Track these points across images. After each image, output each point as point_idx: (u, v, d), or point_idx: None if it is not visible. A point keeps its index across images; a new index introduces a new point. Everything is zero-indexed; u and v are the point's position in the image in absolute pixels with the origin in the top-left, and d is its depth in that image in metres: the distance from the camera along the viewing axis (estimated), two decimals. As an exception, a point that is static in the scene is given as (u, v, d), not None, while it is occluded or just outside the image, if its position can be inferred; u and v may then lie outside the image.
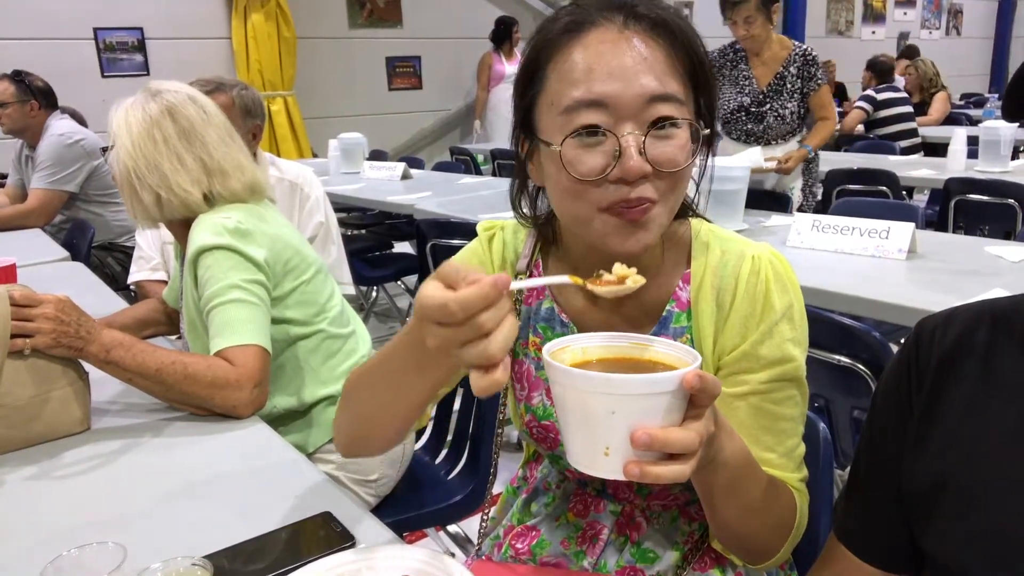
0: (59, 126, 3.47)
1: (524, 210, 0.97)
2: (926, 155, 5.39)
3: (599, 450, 0.65)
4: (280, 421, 1.54)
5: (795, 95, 3.34)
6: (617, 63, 0.77)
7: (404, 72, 7.04)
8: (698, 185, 0.91)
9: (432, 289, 0.64)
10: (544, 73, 0.82)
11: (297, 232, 1.61)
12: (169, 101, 1.45)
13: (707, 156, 0.89)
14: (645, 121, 0.78)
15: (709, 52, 0.86)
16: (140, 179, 1.40)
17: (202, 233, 1.39)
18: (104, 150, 1.50)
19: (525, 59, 0.85)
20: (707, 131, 0.84)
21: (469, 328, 0.62)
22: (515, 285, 0.65)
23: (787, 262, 0.91)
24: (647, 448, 0.63)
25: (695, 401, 0.66)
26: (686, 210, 0.93)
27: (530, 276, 0.98)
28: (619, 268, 0.72)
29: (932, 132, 5.85)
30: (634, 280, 0.71)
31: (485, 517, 1.09)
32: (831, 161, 4.44)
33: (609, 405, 0.63)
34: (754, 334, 0.87)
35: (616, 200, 0.79)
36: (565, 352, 0.71)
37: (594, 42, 0.79)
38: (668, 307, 0.92)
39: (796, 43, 3.36)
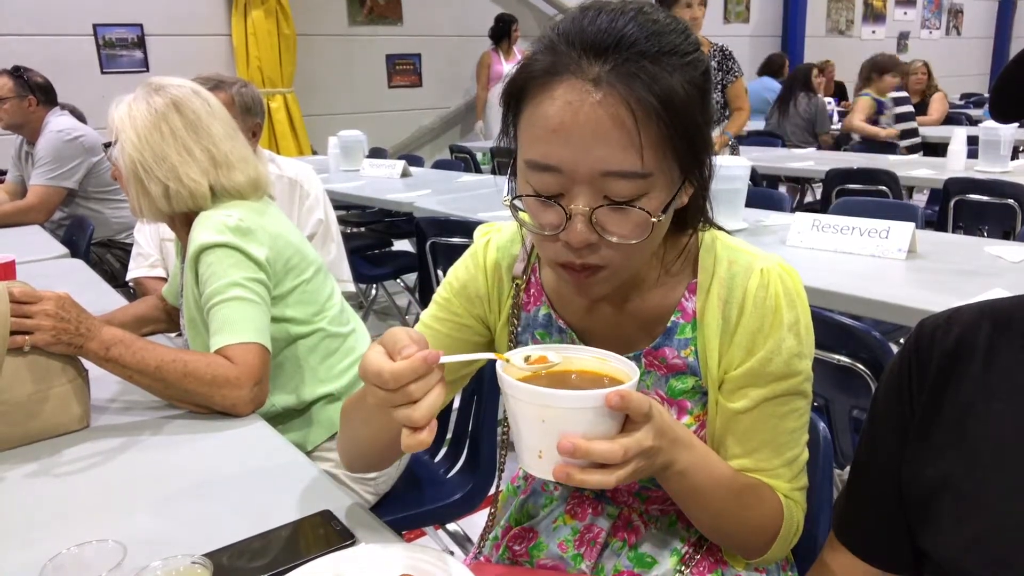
0: (58, 122, 3.46)
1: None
2: (926, 155, 5.40)
3: (535, 452, 0.72)
4: (279, 419, 1.54)
5: (716, 87, 3.70)
6: (577, 129, 0.73)
7: (404, 69, 7.03)
8: (702, 205, 0.88)
9: (374, 355, 0.73)
10: (521, 109, 0.79)
11: (297, 231, 1.61)
12: (174, 95, 1.44)
13: (702, 197, 0.85)
14: (600, 191, 0.75)
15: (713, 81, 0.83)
16: (148, 171, 1.40)
17: (204, 231, 1.39)
18: (106, 147, 1.49)
19: (506, 88, 0.81)
20: (661, 218, 0.77)
21: (400, 395, 0.71)
22: (443, 359, 0.73)
23: (796, 274, 0.89)
24: (570, 455, 0.69)
25: (630, 416, 0.72)
26: (693, 221, 0.89)
27: (527, 283, 0.99)
28: (536, 353, 0.78)
29: (932, 132, 5.85)
30: (547, 364, 0.77)
31: (492, 514, 1.09)
32: (831, 160, 4.45)
33: (539, 414, 0.71)
34: (761, 351, 0.86)
35: (565, 262, 0.80)
36: (530, 360, 0.78)
37: (561, 97, 0.74)
38: (673, 318, 0.91)
39: (713, 41, 3.78)
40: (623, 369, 0.76)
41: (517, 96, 0.79)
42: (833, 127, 6.65)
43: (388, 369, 0.71)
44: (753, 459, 0.90)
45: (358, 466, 1.03)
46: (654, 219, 0.76)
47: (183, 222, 1.49)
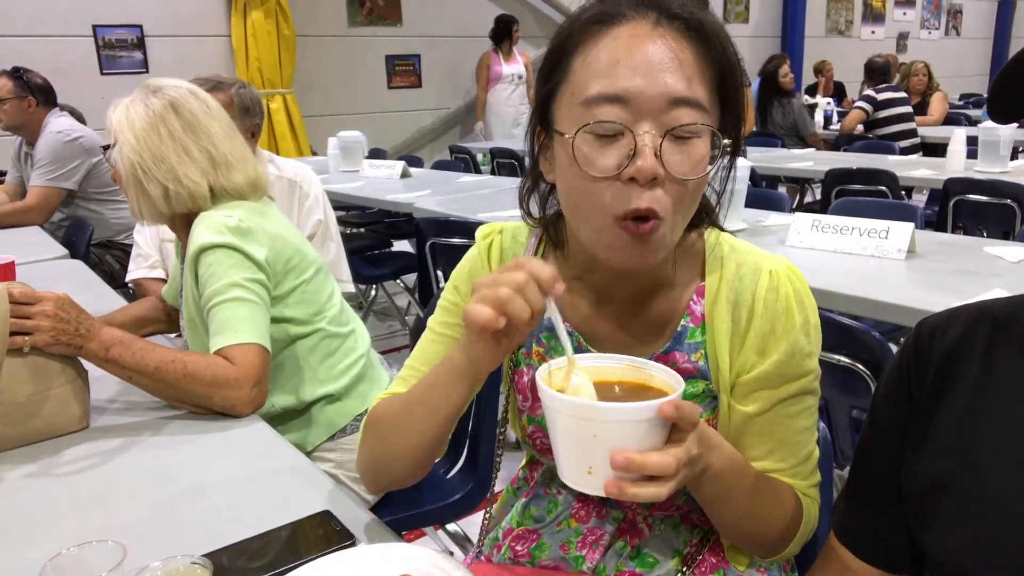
0: (58, 123, 3.46)
1: (532, 210, 0.95)
2: (925, 155, 5.39)
3: (583, 469, 0.70)
4: (279, 420, 1.54)
5: None
6: (644, 59, 0.75)
7: (403, 70, 7.03)
8: (719, 195, 0.89)
9: None
10: (568, 62, 0.80)
11: (297, 231, 1.61)
12: (171, 96, 1.45)
13: (730, 166, 0.86)
14: (665, 124, 0.76)
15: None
16: (147, 173, 1.40)
17: (204, 231, 1.39)
18: (105, 148, 1.49)
19: (551, 46, 0.83)
20: (727, 141, 0.80)
21: (513, 276, 0.73)
22: (550, 305, 0.74)
23: (802, 275, 0.89)
24: (624, 470, 0.67)
25: (678, 425, 0.70)
26: (700, 219, 0.90)
27: None
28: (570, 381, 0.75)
29: (931, 132, 5.85)
30: (574, 391, 0.73)
31: (488, 515, 1.09)
32: (830, 160, 4.45)
33: (591, 429, 0.68)
34: (773, 354, 0.86)
35: (627, 210, 0.76)
36: (561, 371, 0.75)
37: (624, 35, 0.77)
38: (683, 322, 0.90)
39: None
40: (663, 378, 0.75)
41: (566, 49, 0.80)
42: (833, 127, 6.64)
43: (534, 262, 0.74)
44: (770, 460, 0.90)
45: (384, 481, 0.99)
46: (713, 152, 0.78)
47: (183, 223, 1.49)
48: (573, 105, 0.79)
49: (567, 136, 0.78)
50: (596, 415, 0.68)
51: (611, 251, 0.80)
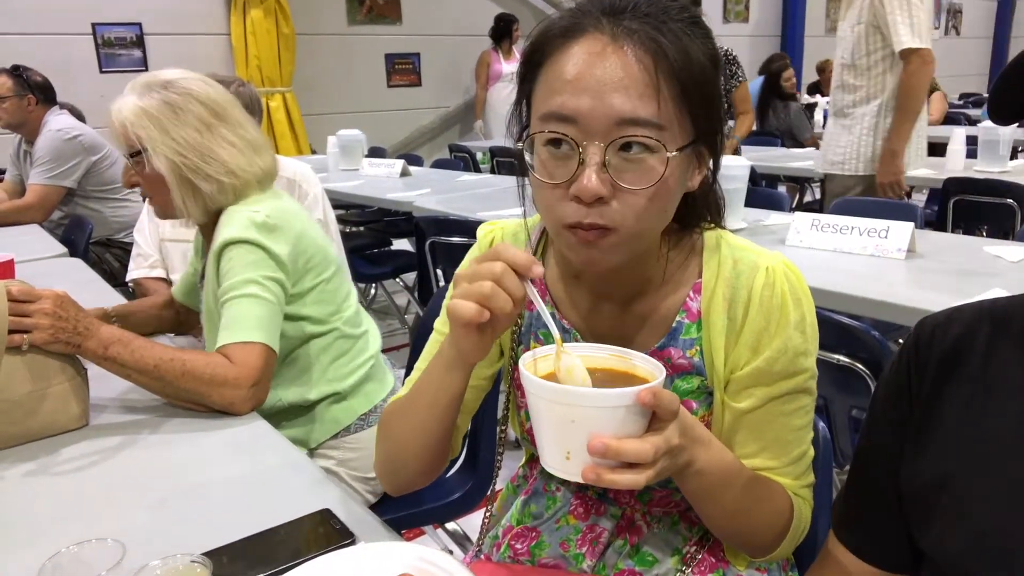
0: (57, 121, 3.46)
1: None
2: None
3: (561, 454, 0.71)
4: (284, 415, 1.54)
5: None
6: (594, 79, 0.75)
7: (403, 69, 7.03)
8: (707, 196, 0.89)
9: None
10: (537, 73, 0.81)
11: (319, 228, 1.59)
12: (187, 88, 1.41)
13: (714, 169, 0.85)
14: (613, 141, 0.75)
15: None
16: (196, 170, 1.38)
17: (229, 227, 1.38)
18: (131, 156, 1.44)
19: (524, 54, 0.84)
20: (675, 154, 0.77)
21: (491, 266, 0.75)
22: (529, 286, 0.76)
23: (800, 273, 0.89)
24: (601, 456, 0.68)
25: (657, 415, 0.70)
26: (704, 218, 0.90)
27: (531, 282, 0.98)
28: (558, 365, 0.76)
29: (931, 132, 5.82)
30: (567, 372, 0.74)
31: (488, 513, 1.09)
32: (830, 160, 4.44)
33: (568, 414, 0.69)
34: (767, 350, 0.86)
35: (573, 222, 0.78)
36: (547, 360, 0.76)
37: (581, 52, 0.76)
38: (679, 318, 0.90)
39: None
40: (646, 367, 0.75)
41: (535, 59, 0.81)
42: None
43: (509, 250, 0.76)
44: (761, 458, 0.90)
45: (400, 480, 0.99)
46: (671, 168, 0.76)
47: (211, 218, 1.48)
48: (535, 118, 0.80)
49: (525, 145, 0.80)
50: (574, 400, 0.69)
51: (569, 252, 0.82)
